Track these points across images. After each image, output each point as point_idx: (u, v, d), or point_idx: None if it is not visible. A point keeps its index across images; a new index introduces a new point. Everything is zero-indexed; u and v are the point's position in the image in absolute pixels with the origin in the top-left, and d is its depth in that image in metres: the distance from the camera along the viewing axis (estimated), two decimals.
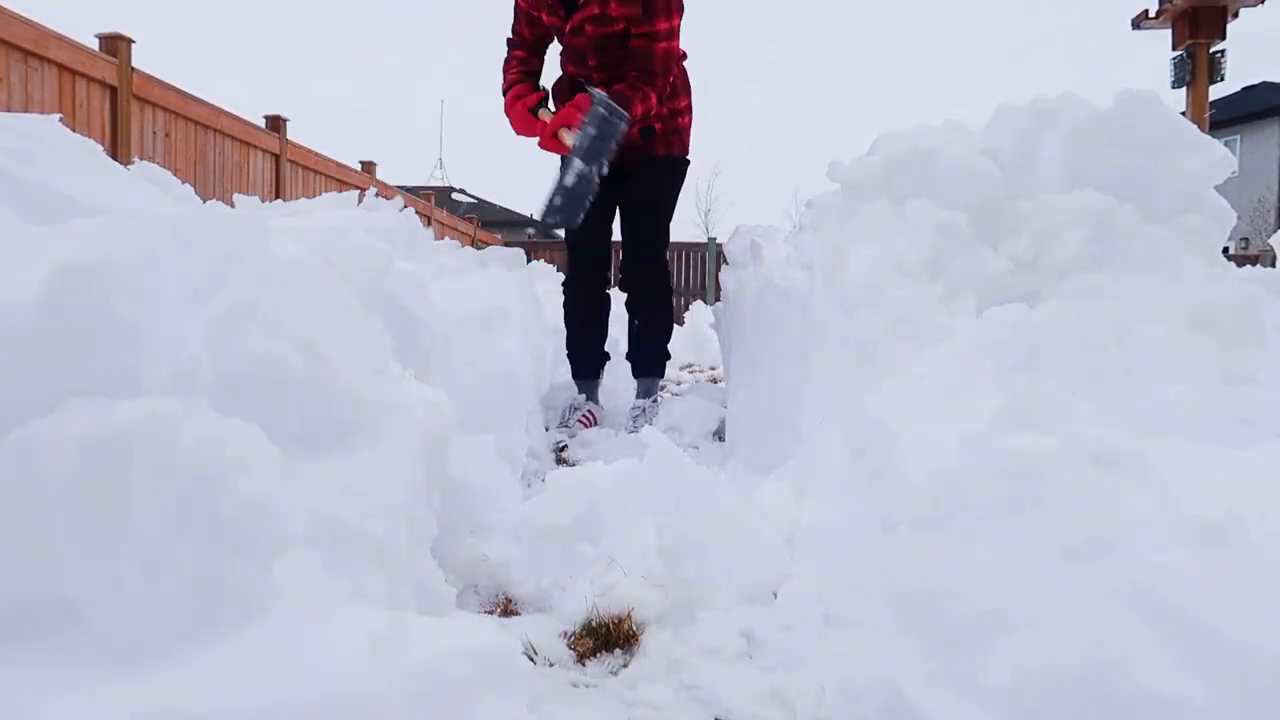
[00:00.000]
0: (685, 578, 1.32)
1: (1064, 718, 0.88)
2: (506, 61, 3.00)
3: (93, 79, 4.61)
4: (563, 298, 3.27)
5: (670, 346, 3.36)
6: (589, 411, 3.14)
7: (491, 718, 0.68)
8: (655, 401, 3.21)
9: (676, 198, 3.21)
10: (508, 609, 1.40)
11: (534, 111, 2.79)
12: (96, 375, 0.75)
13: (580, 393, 3.26)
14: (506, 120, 2.84)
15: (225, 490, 0.74)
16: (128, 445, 0.70)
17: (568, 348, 3.30)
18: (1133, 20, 7.08)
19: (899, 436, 1.21)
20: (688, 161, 3.21)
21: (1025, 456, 1.01)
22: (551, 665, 1.19)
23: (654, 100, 2.78)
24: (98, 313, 0.75)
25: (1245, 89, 20.97)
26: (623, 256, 3.17)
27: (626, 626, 1.27)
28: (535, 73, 3.02)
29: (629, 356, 3.25)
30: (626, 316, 3.25)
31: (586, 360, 3.29)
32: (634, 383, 3.27)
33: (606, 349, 3.34)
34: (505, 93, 2.91)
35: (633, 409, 3.13)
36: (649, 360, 3.23)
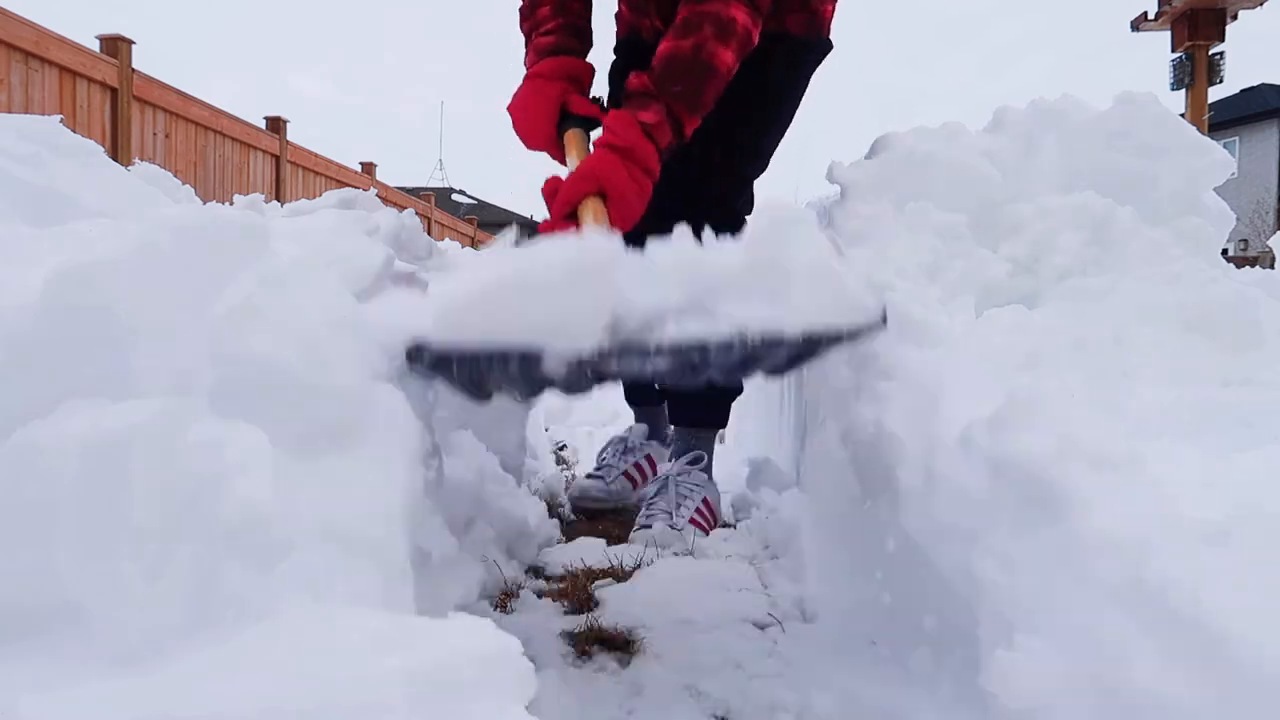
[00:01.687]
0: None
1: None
2: (525, 9, 1.70)
3: (93, 80, 4.62)
4: None
5: None
6: (647, 457, 1.98)
7: (491, 718, 0.68)
8: (703, 469, 1.85)
9: (792, 102, 1.85)
10: (507, 608, 1.40)
11: (563, 127, 1.53)
12: (97, 377, 0.75)
13: (637, 420, 2.08)
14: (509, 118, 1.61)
15: (225, 492, 0.74)
16: (128, 447, 0.70)
17: None
18: (1131, 22, 7.10)
19: (897, 438, 1.21)
20: (826, 43, 1.84)
21: (1024, 459, 1.01)
22: (552, 665, 1.19)
23: (708, 92, 1.45)
24: (98, 315, 0.76)
25: (1244, 91, 21.00)
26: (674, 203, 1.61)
27: (627, 626, 1.27)
28: (577, 28, 1.66)
29: (661, 388, 1.94)
30: None
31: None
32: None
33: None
34: (526, 52, 1.64)
35: (652, 481, 1.88)
36: (695, 399, 1.87)
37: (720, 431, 2.43)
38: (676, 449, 1.92)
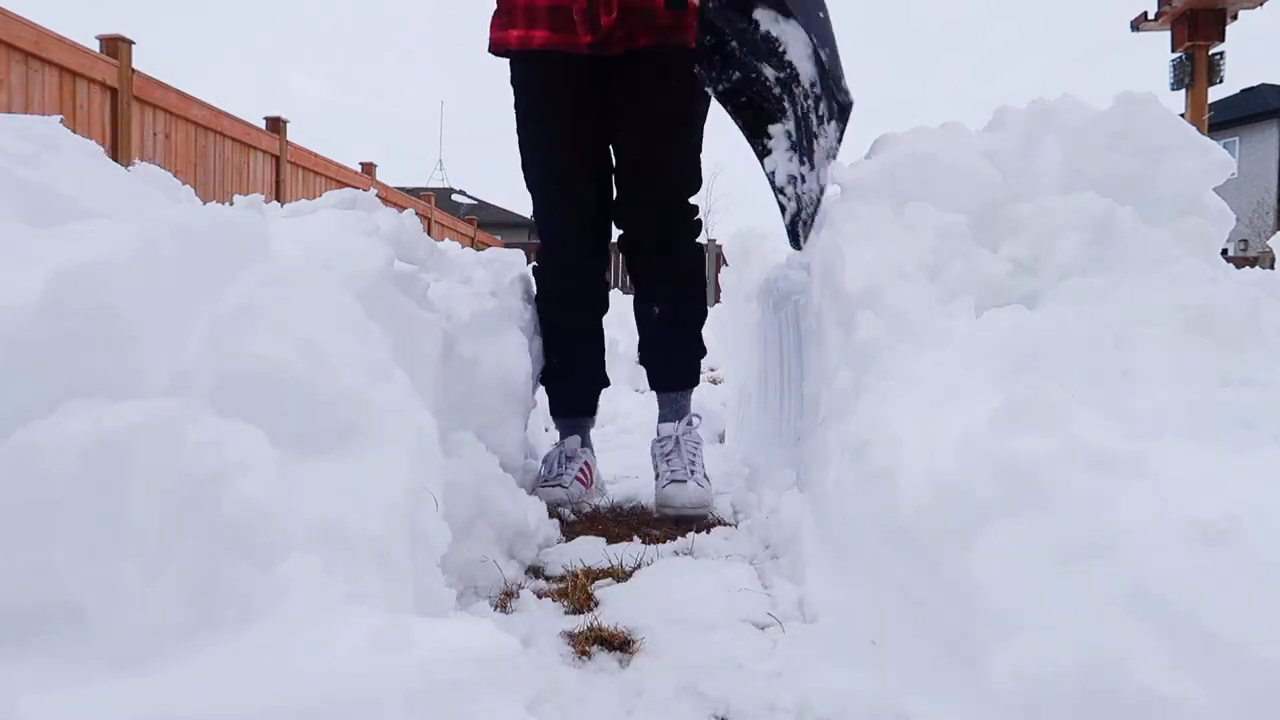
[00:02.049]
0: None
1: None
2: None
3: (93, 80, 4.62)
4: (533, 284, 2.18)
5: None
6: (585, 463, 2.15)
7: (491, 718, 0.68)
8: (691, 425, 2.14)
9: (704, 111, 2.09)
10: (507, 608, 1.40)
11: None
12: (97, 377, 0.75)
13: (566, 435, 2.20)
14: None
15: (225, 492, 0.74)
16: (128, 447, 0.70)
17: (545, 359, 2.18)
18: (1131, 22, 7.09)
19: (897, 438, 1.21)
20: None
21: (1024, 459, 1.01)
22: (551, 665, 1.19)
23: None
24: (98, 315, 0.76)
25: (1244, 91, 20.99)
26: (626, 204, 2.05)
27: (627, 626, 1.27)
28: None
29: (644, 361, 2.21)
30: (634, 301, 2.19)
31: (576, 387, 2.21)
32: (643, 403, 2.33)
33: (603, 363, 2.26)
34: None
35: (658, 442, 2.11)
36: (677, 364, 2.18)
37: (721, 431, 2.60)
38: (665, 413, 2.18)
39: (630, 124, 2.00)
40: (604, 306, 2.23)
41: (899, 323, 1.42)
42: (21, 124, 1.09)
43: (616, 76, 1.98)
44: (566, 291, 2.16)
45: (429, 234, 2.50)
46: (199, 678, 0.65)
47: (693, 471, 2.02)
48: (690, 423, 2.17)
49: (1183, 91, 6.91)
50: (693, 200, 2.12)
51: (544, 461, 2.19)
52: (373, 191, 2.10)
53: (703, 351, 2.27)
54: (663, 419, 2.18)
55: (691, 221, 2.13)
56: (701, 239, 2.24)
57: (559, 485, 2.08)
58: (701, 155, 2.13)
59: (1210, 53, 6.80)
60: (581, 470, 2.14)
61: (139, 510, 0.69)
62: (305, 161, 7.20)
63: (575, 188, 2.05)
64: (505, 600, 1.44)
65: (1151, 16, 6.96)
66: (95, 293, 0.75)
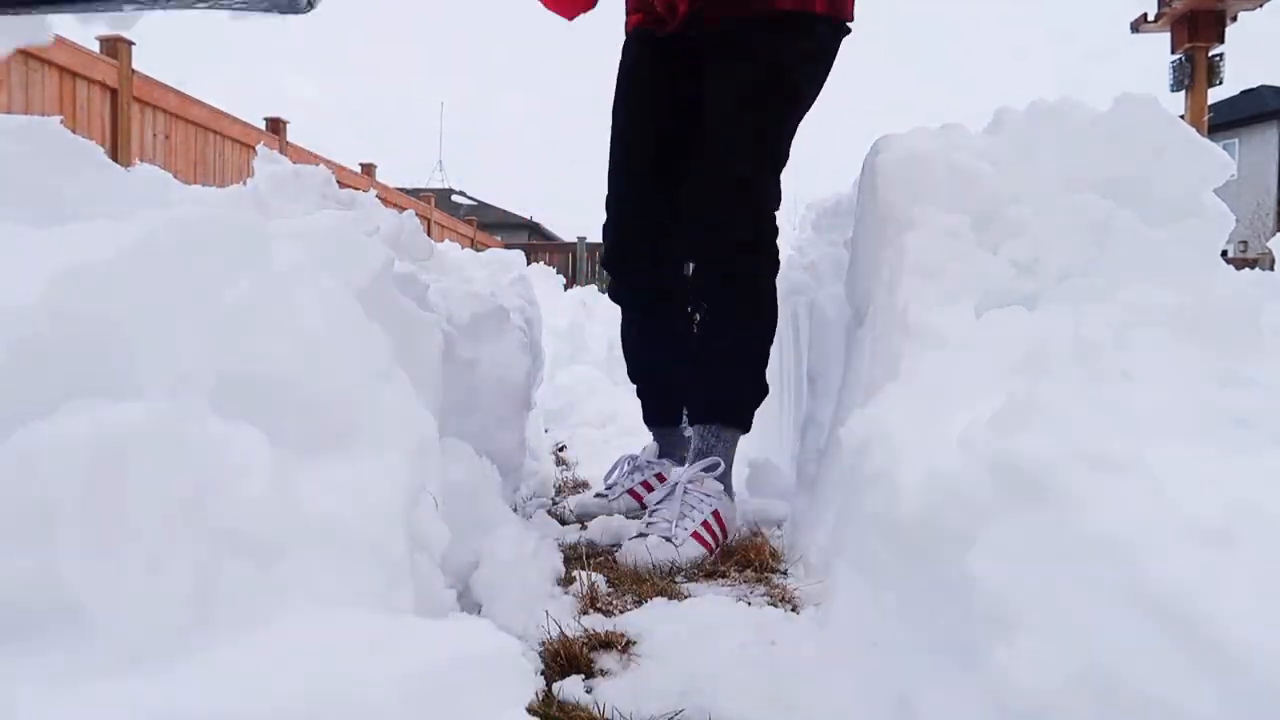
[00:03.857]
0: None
1: None
2: None
3: (93, 81, 4.62)
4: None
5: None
6: (656, 475, 1.92)
7: (491, 718, 0.68)
8: (719, 478, 1.71)
9: (809, 94, 1.80)
10: None
11: None
12: (97, 378, 0.75)
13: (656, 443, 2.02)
14: None
15: (226, 492, 0.74)
16: (128, 448, 0.70)
17: (629, 373, 2.06)
18: (1131, 24, 7.10)
19: (897, 438, 1.21)
20: (843, 27, 1.81)
21: (1024, 459, 1.01)
22: (551, 665, 1.19)
23: None
24: (98, 316, 0.76)
25: (1244, 92, 20.98)
26: (690, 194, 1.77)
27: (627, 627, 1.27)
28: None
29: (684, 385, 1.90)
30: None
31: (655, 395, 2.02)
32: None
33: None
34: None
35: (661, 486, 1.77)
36: (717, 390, 1.78)
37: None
38: (694, 451, 1.75)
39: (708, 105, 1.76)
40: (655, 310, 1.98)
41: (898, 323, 1.42)
42: (21, 124, 1.09)
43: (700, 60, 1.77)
44: (632, 297, 1.99)
45: (429, 235, 2.52)
46: (199, 678, 0.65)
47: (671, 524, 1.61)
48: (712, 467, 1.71)
49: (1182, 93, 6.92)
50: (761, 199, 1.78)
51: (617, 464, 2.02)
52: (372, 193, 2.10)
53: (759, 388, 1.80)
54: (691, 458, 1.75)
55: (754, 223, 1.77)
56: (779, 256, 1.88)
57: (605, 498, 1.94)
58: (780, 148, 1.80)
59: (1210, 54, 6.81)
60: (643, 483, 1.92)
61: (139, 510, 0.69)
62: (305, 162, 7.21)
63: (642, 210, 1.87)
64: None
65: (1151, 18, 6.97)
66: (95, 293, 0.75)
